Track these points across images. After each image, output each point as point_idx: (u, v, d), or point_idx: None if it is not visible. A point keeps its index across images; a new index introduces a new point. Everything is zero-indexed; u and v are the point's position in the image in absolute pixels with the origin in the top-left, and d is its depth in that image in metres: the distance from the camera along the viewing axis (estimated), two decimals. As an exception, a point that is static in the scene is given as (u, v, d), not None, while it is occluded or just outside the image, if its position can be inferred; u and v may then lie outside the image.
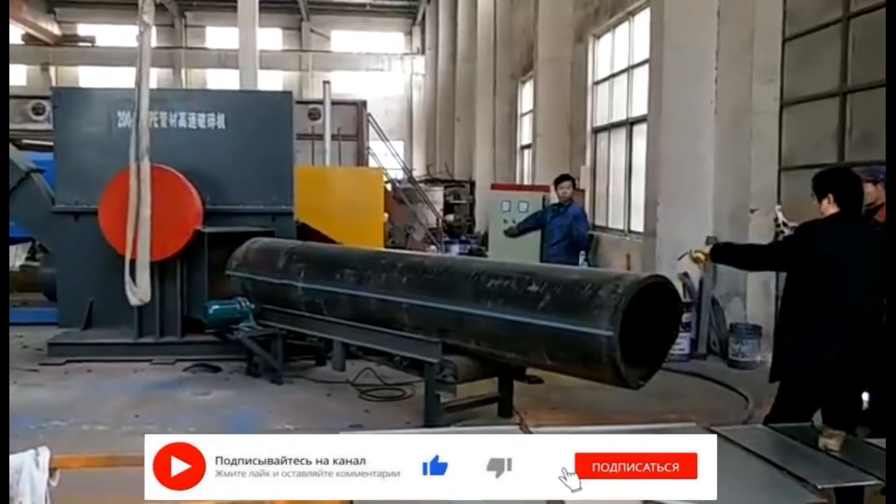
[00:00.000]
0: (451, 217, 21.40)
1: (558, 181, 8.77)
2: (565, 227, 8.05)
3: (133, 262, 6.97)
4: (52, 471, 3.03)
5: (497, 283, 5.35)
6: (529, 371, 6.24)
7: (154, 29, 7.05)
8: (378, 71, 35.46)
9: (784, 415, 4.02)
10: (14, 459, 3.00)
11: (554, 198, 9.10)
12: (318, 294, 6.71)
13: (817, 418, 4.04)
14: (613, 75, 13.13)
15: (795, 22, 8.02)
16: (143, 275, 6.98)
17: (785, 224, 4.36)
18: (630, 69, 12.24)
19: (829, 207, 4.13)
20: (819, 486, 2.88)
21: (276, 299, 7.19)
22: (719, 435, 3.42)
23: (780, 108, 8.18)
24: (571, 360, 4.97)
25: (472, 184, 22.66)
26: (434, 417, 5.80)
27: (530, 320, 5.02)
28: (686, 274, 8.82)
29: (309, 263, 6.96)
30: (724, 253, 4.71)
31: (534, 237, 8.50)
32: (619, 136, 12.77)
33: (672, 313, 5.07)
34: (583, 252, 8.19)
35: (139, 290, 7.01)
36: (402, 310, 5.99)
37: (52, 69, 33.09)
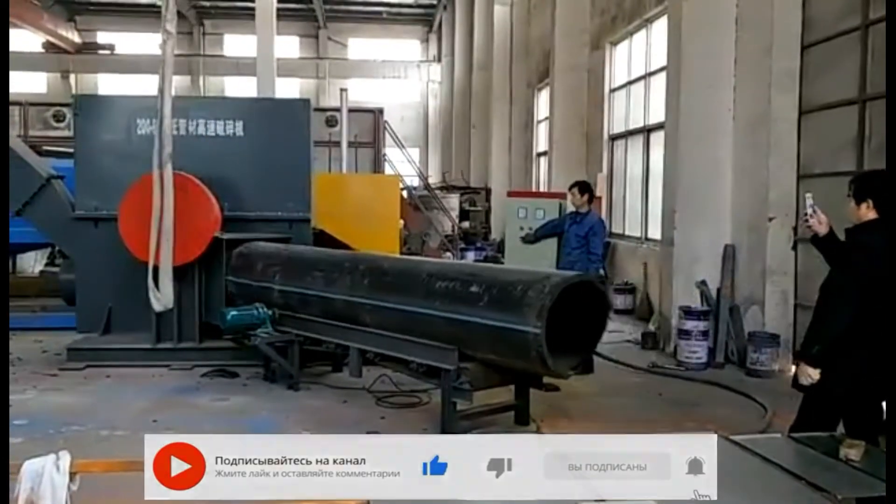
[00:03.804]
0: (466, 224, 21.41)
1: (570, 188, 8.76)
2: (582, 236, 7.99)
3: (156, 269, 7.01)
4: (72, 475, 3.05)
5: (444, 284, 5.92)
6: (546, 380, 6.23)
7: (162, 36, 7.09)
8: (394, 78, 35.57)
9: (811, 424, 3.97)
10: (35, 463, 3.03)
11: (570, 205, 9.04)
12: (292, 296, 7.24)
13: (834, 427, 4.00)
14: (630, 83, 13.11)
15: (814, 29, 7.98)
16: (167, 281, 7.03)
17: (813, 214, 4.22)
18: (647, 76, 12.22)
19: (868, 213, 4.02)
20: (839, 497, 2.86)
21: (258, 301, 7.54)
22: (738, 444, 3.41)
23: (799, 116, 8.14)
24: (509, 353, 5.49)
25: (488, 191, 22.66)
26: (450, 425, 5.79)
27: (473, 318, 5.57)
28: (703, 282, 8.79)
29: (283, 267, 7.45)
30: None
31: (550, 244, 8.45)
32: (637, 143, 12.75)
33: (601, 308, 5.66)
34: (599, 260, 8.12)
35: (163, 296, 7.05)
36: (366, 311, 6.53)
37: (72, 77, 33.46)
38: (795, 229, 8.00)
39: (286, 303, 7.33)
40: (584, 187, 8.41)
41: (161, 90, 6.99)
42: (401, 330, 6.25)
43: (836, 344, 4.01)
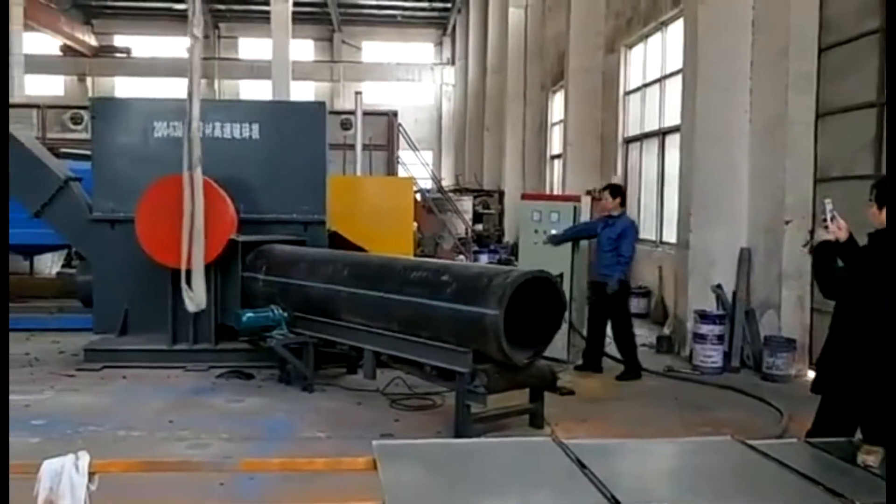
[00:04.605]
0: (479, 226, 21.40)
1: (601, 190, 8.76)
2: (613, 238, 7.96)
3: (188, 270, 7.04)
4: (91, 475, 3.07)
5: (418, 274, 6.49)
6: (561, 383, 6.24)
7: (189, 41, 7.12)
8: (408, 81, 35.67)
9: (829, 429, 3.95)
10: (54, 463, 3.05)
11: (585, 209, 9.01)
12: (274, 285, 7.68)
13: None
14: (646, 85, 13.08)
15: (832, 31, 7.94)
16: (199, 282, 7.08)
17: (832, 219, 4.18)
18: (662, 79, 12.18)
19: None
20: (857, 503, 2.84)
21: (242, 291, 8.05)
22: (755, 449, 3.39)
23: (816, 119, 8.09)
24: (469, 337, 5.89)
25: (502, 193, 22.66)
26: (465, 428, 5.79)
27: (440, 304, 6.09)
28: (719, 286, 8.75)
29: (268, 261, 7.93)
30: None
31: (566, 248, 8.41)
32: (652, 146, 12.72)
33: (557, 306, 6.08)
34: (626, 263, 8.03)
35: (195, 297, 7.09)
36: (342, 298, 7.00)
37: (88, 80, 33.77)
38: (812, 233, 7.95)
39: (271, 291, 7.72)
40: (616, 190, 8.37)
41: (189, 94, 7.04)
42: (374, 315, 6.71)
43: (856, 348, 4.00)
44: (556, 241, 8.40)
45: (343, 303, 7.03)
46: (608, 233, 8.02)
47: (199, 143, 7.01)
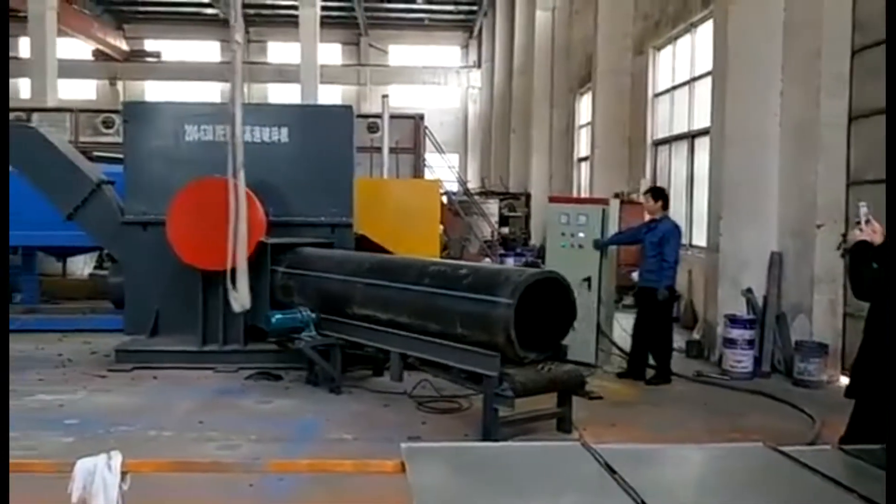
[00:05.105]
0: (506, 229, 21.37)
1: (644, 193, 8.66)
2: (655, 243, 7.86)
3: (233, 271, 7.10)
4: (123, 474, 3.10)
5: (436, 268, 6.77)
6: (590, 387, 6.21)
7: (231, 46, 7.17)
8: (434, 84, 35.76)
9: (862, 435, 3.89)
10: (87, 462, 3.09)
11: (614, 212, 8.92)
12: (293, 277, 7.90)
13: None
14: (674, 87, 13.00)
15: (865, 33, 7.82)
16: (243, 282, 7.14)
17: (867, 221, 4.14)
18: (692, 81, 12.09)
19: None
20: (894, 512, 2.79)
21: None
22: (787, 455, 3.34)
23: (849, 121, 7.98)
24: (479, 326, 6.01)
25: (528, 196, 22.60)
26: (493, 431, 5.78)
27: (453, 293, 6.26)
28: (749, 290, 8.65)
29: (290, 255, 8.15)
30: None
31: (594, 252, 8.35)
32: (681, 148, 12.62)
33: (568, 309, 6.14)
34: (672, 268, 7.92)
35: (240, 297, 7.16)
36: (357, 288, 7.18)
37: (119, 84, 34.27)
38: (845, 236, 7.84)
39: (289, 284, 7.96)
40: (658, 193, 8.27)
41: (232, 99, 7.11)
42: (388, 305, 6.87)
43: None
44: (600, 246, 8.34)
45: (358, 293, 7.18)
46: (651, 237, 7.91)
47: (242, 147, 7.05)
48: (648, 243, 7.92)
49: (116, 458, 3.12)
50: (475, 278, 6.25)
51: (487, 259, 16.41)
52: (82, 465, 3.08)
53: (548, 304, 6.10)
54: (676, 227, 8.13)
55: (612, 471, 3.02)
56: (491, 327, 5.88)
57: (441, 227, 12.67)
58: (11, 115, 14.75)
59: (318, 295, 7.58)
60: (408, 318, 6.67)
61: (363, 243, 8.83)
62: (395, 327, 6.81)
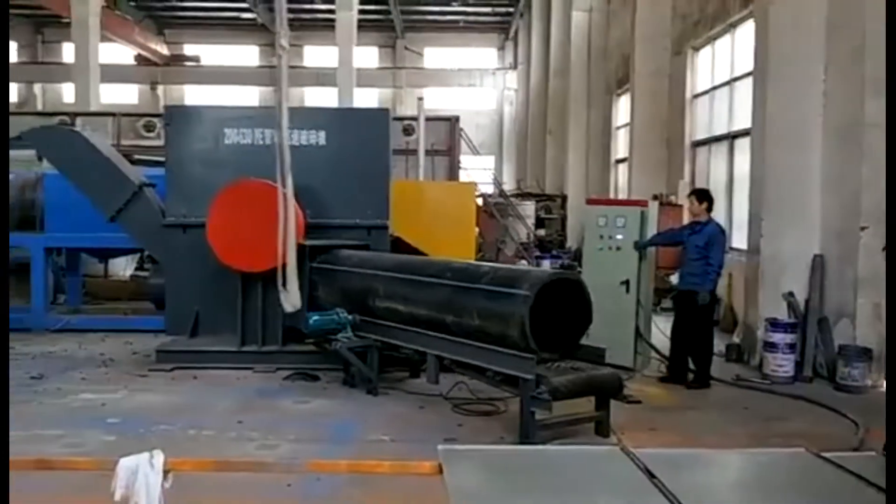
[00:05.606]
0: (542, 232, 21.27)
1: (688, 195, 8.56)
2: (701, 246, 7.75)
3: (284, 273, 7.18)
4: (165, 473, 3.15)
5: (460, 265, 7.06)
6: (628, 391, 6.15)
7: (277, 51, 7.21)
8: (470, 86, 35.79)
9: None
10: (130, 461, 3.14)
11: (653, 214, 8.83)
12: (319, 272, 8.19)
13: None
14: (714, 88, 12.84)
15: (911, 31, 7.65)
16: (293, 283, 7.20)
17: None
18: (731, 82, 11.94)
19: None
20: (942, 520, 2.72)
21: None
22: (830, 462, 3.28)
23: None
24: (495, 318, 6.18)
25: (564, 198, 22.47)
26: (530, 434, 5.76)
27: (473, 286, 6.46)
28: (791, 293, 8.51)
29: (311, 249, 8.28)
30: None
31: (633, 256, 8.28)
32: (721, 150, 12.46)
33: (585, 311, 6.23)
34: (717, 272, 7.81)
35: (290, 297, 7.23)
36: (379, 280, 7.46)
37: (160, 88, 34.87)
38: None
39: (313, 279, 8.22)
40: (703, 195, 8.14)
41: (279, 103, 7.17)
42: (409, 298, 7.12)
43: None
44: (640, 247, 8.26)
45: (381, 286, 7.42)
46: (695, 240, 7.79)
47: (288, 151, 7.12)
48: (693, 246, 7.80)
49: (159, 457, 3.17)
50: (496, 275, 6.46)
51: (523, 261, 16.36)
52: (125, 464, 3.14)
53: (570, 310, 6.20)
54: (722, 231, 8.01)
55: (651, 475, 2.99)
56: (506, 320, 6.01)
57: (476, 229, 12.65)
58: (55, 119, 15.10)
59: (344, 288, 7.86)
60: (426, 310, 6.88)
61: (399, 245, 8.86)
62: (414, 320, 7.03)
